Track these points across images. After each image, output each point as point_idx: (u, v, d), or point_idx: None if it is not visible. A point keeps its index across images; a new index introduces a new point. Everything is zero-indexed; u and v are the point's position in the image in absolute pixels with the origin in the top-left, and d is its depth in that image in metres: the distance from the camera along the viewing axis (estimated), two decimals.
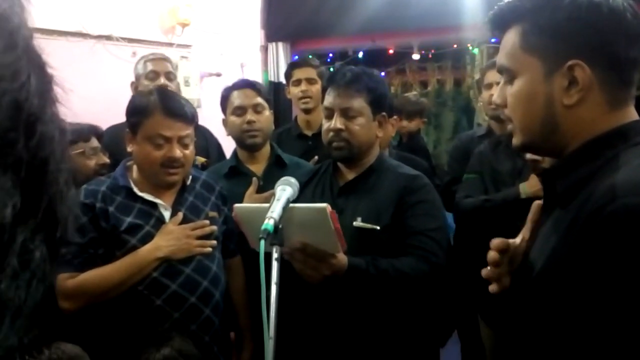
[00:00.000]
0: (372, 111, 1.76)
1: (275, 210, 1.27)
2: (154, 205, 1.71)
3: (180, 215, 1.71)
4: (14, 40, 0.37)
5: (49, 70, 0.42)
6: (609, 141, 0.88)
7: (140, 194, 1.70)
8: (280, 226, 1.25)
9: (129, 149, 1.73)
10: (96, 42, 3.41)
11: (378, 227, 1.64)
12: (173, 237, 1.66)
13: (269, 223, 1.22)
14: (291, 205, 1.40)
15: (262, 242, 1.16)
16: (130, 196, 1.70)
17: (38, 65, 0.40)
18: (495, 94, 1.01)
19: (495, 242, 0.97)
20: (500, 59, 0.97)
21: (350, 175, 1.80)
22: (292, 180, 1.41)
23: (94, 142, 2.05)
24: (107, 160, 2.07)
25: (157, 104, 1.66)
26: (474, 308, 2.52)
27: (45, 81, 0.41)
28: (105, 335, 1.64)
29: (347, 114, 1.73)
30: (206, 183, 1.86)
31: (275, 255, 1.19)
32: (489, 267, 0.98)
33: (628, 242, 0.74)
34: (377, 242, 1.64)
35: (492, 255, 0.95)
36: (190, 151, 1.73)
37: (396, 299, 1.70)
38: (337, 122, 1.72)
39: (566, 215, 0.87)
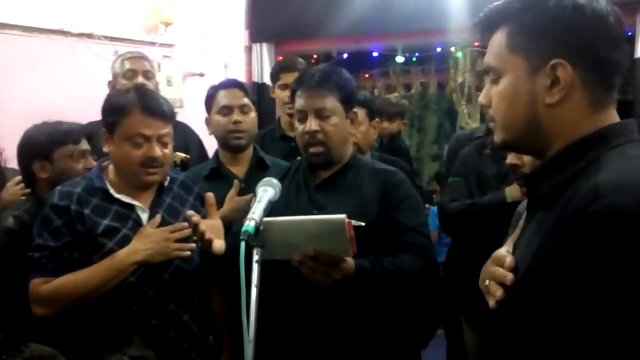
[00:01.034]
0: (344, 109, 1.75)
1: (256, 212, 1.25)
2: (131, 207, 1.67)
3: (158, 217, 1.67)
4: None
5: None
6: (590, 143, 0.89)
7: (117, 195, 1.66)
8: (261, 227, 1.23)
9: (105, 149, 1.68)
10: (77, 40, 3.36)
11: (363, 224, 1.64)
12: (151, 240, 1.61)
13: (249, 224, 1.20)
14: (306, 217, 1.42)
15: (243, 244, 1.14)
16: (106, 198, 1.65)
17: None
18: (482, 94, 1.02)
19: (509, 263, 0.95)
20: (487, 59, 0.99)
21: (325, 173, 1.79)
22: (274, 181, 1.39)
23: (84, 145, 1.97)
24: (95, 164, 2.01)
25: (135, 102, 1.62)
26: (459, 311, 2.52)
27: None
28: (80, 343, 1.60)
29: (322, 115, 1.72)
30: (184, 184, 1.82)
31: (255, 257, 1.17)
32: (498, 292, 0.95)
33: (612, 242, 0.74)
34: (362, 238, 1.63)
35: (510, 277, 0.93)
36: (169, 150, 1.69)
37: (382, 300, 1.70)
38: (312, 124, 1.71)
39: (549, 216, 0.88)
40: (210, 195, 1.64)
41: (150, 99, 1.66)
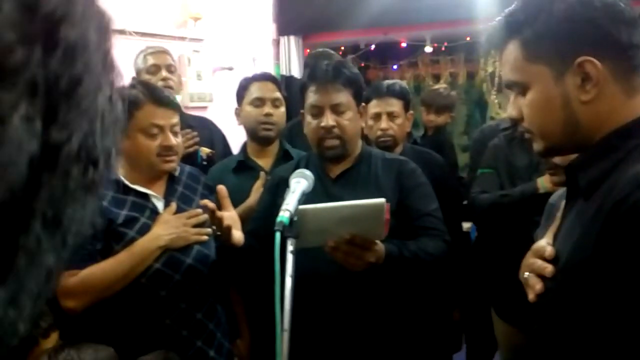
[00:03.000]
0: (356, 103, 1.77)
1: (290, 203, 1.27)
2: (146, 197, 1.72)
3: (174, 205, 1.72)
4: None
5: None
6: (630, 132, 0.88)
7: (132, 186, 1.70)
8: (295, 218, 1.25)
9: None
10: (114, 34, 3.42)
11: None
12: (171, 225, 1.67)
13: (284, 215, 1.21)
14: (342, 203, 1.44)
15: (278, 235, 1.16)
16: (121, 190, 1.70)
17: None
18: (509, 107, 1.02)
19: (550, 253, 0.95)
20: (507, 75, 0.98)
21: (337, 167, 1.80)
22: (307, 172, 1.40)
23: None
24: None
25: (145, 94, 1.67)
26: (483, 305, 2.50)
27: None
28: (113, 334, 1.63)
29: (337, 110, 1.72)
30: (191, 174, 1.87)
31: (290, 247, 1.19)
32: (537, 285, 0.95)
33: None
34: None
35: (550, 269, 0.93)
36: (180, 139, 1.74)
37: (411, 288, 1.70)
38: (329, 119, 1.71)
39: (590, 206, 0.87)
40: (222, 188, 1.65)
41: (159, 91, 1.72)
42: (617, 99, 0.89)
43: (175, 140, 1.70)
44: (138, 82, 1.80)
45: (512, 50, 0.95)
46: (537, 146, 0.99)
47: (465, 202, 2.57)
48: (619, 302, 0.77)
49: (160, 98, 1.69)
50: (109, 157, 0.32)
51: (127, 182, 1.71)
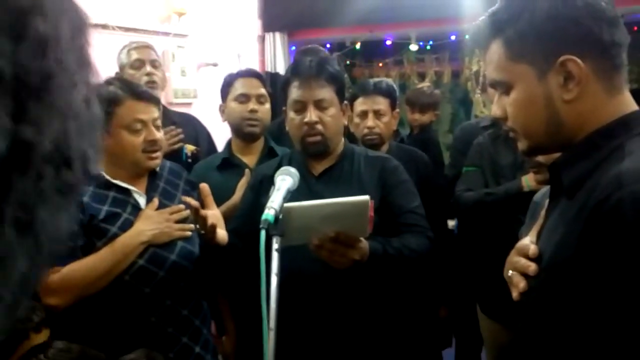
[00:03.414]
0: (339, 100, 1.76)
1: (275, 200, 1.26)
2: (128, 193, 1.70)
3: (156, 200, 1.70)
4: None
5: None
6: (612, 132, 0.89)
7: (114, 181, 1.68)
8: (280, 216, 1.24)
9: None
10: (92, 30, 3.37)
11: None
12: (153, 221, 1.66)
13: (269, 213, 1.21)
14: (327, 200, 1.43)
15: (263, 233, 1.15)
16: (102, 185, 1.67)
17: None
18: (494, 106, 1.02)
19: (533, 251, 0.95)
20: (491, 74, 0.98)
21: (320, 164, 1.79)
22: (292, 170, 1.40)
23: None
24: None
25: (125, 90, 1.65)
26: (470, 302, 2.52)
27: None
28: (98, 332, 1.61)
29: (320, 105, 1.72)
30: (172, 170, 1.86)
31: (275, 245, 1.18)
32: (521, 283, 0.95)
33: (635, 230, 0.74)
34: None
35: (533, 268, 0.93)
36: (162, 134, 1.73)
37: (397, 291, 1.70)
38: (312, 115, 1.70)
39: (573, 205, 0.88)
40: (204, 186, 1.64)
41: (137, 86, 1.71)
42: (600, 98, 0.90)
43: (158, 134, 1.68)
44: (115, 78, 1.78)
45: (496, 49, 0.95)
46: (521, 145, 1.00)
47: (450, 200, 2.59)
48: (601, 301, 0.78)
49: (140, 93, 1.67)
50: (85, 160, 0.30)
51: (108, 177, 1.68)
